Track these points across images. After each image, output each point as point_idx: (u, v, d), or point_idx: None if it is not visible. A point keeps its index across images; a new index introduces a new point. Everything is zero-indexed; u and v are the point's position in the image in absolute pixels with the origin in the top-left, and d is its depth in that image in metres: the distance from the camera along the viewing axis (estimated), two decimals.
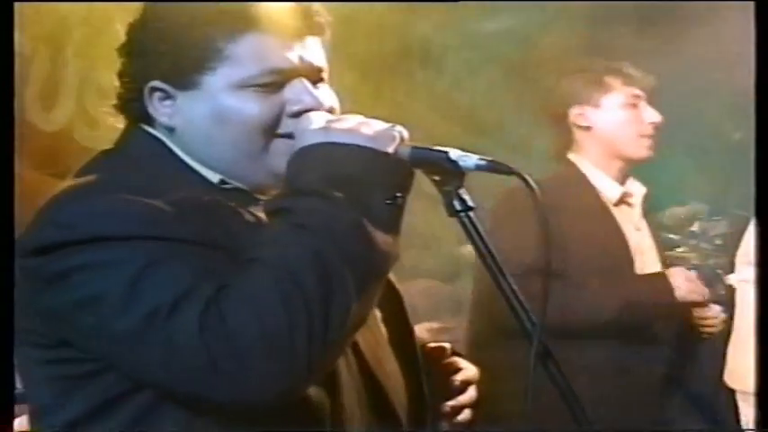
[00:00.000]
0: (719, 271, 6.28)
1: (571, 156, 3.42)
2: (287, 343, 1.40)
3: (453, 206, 1.59)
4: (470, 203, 1.60)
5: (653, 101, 3.34)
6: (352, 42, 4.22)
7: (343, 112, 1.69)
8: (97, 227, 1.48)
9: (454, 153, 1.59)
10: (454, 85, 7.16)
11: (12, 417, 1.85)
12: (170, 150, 1.68)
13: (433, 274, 5.17)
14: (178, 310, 1.41)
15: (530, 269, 3.04)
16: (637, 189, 3.42)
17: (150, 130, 1.69)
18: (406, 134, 1.58)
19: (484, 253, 1.61)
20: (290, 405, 1.49)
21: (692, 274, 3.26)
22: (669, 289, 3.19)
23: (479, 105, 7.12)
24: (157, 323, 1.41)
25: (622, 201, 3.38)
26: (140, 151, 1.68)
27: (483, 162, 1.58)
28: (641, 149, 3.33)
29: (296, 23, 1.65)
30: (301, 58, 1.65)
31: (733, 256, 6.52)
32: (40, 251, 1.52)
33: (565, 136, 3.41)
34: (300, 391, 1.49)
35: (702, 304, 3.27)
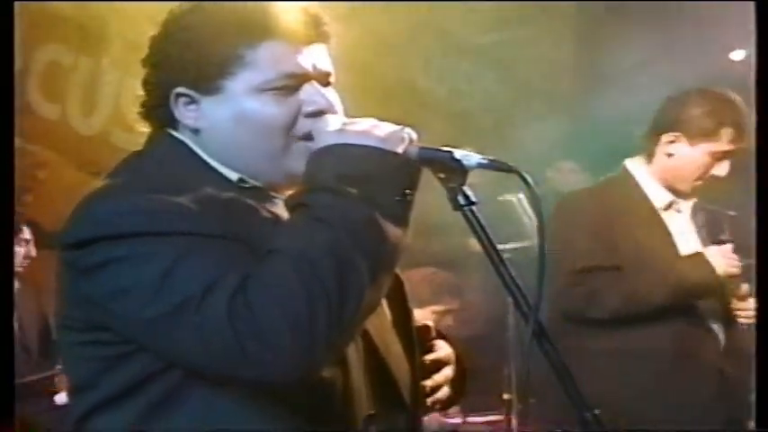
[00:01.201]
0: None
1: (627, 162, 3.36)
2: (307, 326, 1.38)
3: (457, 201, 1.58)
4: (473, 198, 1.58)
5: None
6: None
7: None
8: (130, 223, 1.47)
9: (458, 153, 1.58)
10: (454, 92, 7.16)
11: (13, 418, 1.83)
12: (192, 151, 1.66)
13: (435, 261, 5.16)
14: (208, 298, 1.39)
15: (585, 268, 3.14)
16: (686, 199, 3.34)
17: (174, 133, 1.67)
18: (414, 135, 1.57)
19: (485, 244, 1.59)
20: (304, 383, 1.48)
21: (727, 248, 3.20)
22: (710, 267, 3.15)
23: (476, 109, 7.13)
24: (189, 310, 1.40)
25: (670, 207, 3.30)
26: (166, 153, 1.66)
27: (485, 161, 1.58)
28: (686, 187, 3.26)
29: (306, 32, 1.63)
30: (312, 64, 1.64)
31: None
32: (78, 245, 1.51)
33: (651, 143, 3.30)
34: (319, 370, 1.48)
35: (739, 277, 3.20)
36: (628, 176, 3.33)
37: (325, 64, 1.67)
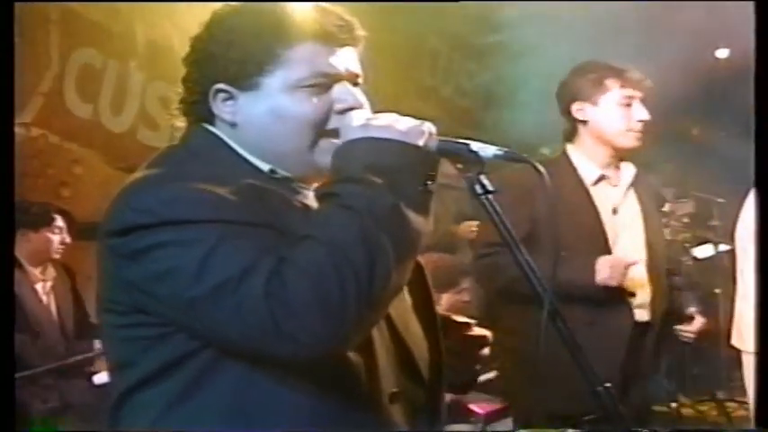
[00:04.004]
0: (687, 244, 6.28)
1: (567, 144, 3.42)
2: (338, 306, 1.39)
3: (475, 190, 1.58)
4: (489, 187, 1.58)
5: (647, 100, 3.33)
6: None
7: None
8: (171, 212, 1.47)
9: (475, 145, 1.58)
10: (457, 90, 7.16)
11: (14, 420, 1.84)
12: (226, 143, 1.65)
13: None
14: (245, 280, 1.39)
15: (492, 242, 3.06)
16: (625, 171, 3.40)
17: (209, 127, 1.67)
18: (433, 129, 1.57)
19: (502, 230, 1.59)
20: (333, 363, 1.49)
21: (619, 261, 3.17)
22: (592, 272, 3.13)
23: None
24: (228, 291, 1.40)
25: (601, 181, 3.35)
26: (202, 146, 1.65)
27: (500, 152, 1.58)
28: (628, 140, 3.31)
29: (340, 35, 1.63)
30: (344, 65, 1.64)
31: (697, 231, 6.46)
32: (120, 233, 1.50)
33: (569, 125, 3.41)
34: (348, 347, 1.49)
35: (618, 289, 3.17)
36: (563, 156, 3.39)
37: (356, 66, 1.67)
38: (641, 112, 3.28)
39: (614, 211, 3.34)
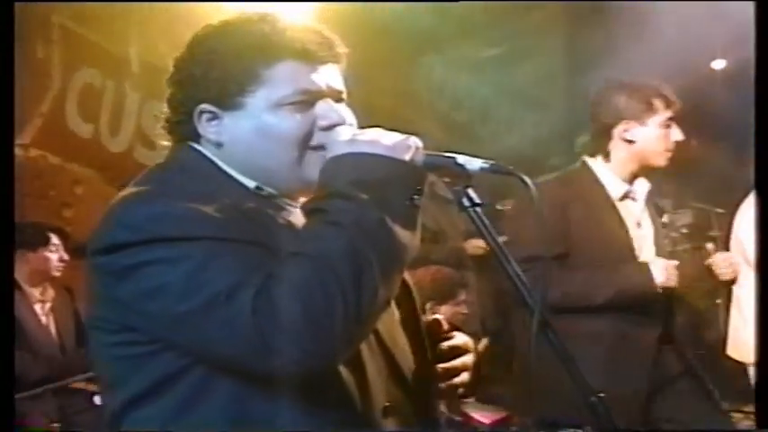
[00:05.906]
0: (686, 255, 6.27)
1: (586, 157, 3.38)
2: (326, 322, 1.39)
3: (462, 203, 1.59)
4: (477, 200, 1.59)
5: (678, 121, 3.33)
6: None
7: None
8: (158, 229, 1.47)
9: (461, 158, 1.58)
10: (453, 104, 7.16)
11: (13, 421, 1.81)
12: (212, 162, 1.65)
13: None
14: (233, 297, 1.40)
15: (531, 257, 3.08)
16: (641, 186, 3.37)
17: (195, 146, 1.67)
18: (420, 143, 1.57)
19: (491, 243, 1.59)
20: (323, 377, 1.49)
21: (671, 263, 3.23)
22: (651, 278, 3.18)
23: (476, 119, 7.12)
24: (216, 309, 1.40)
25: (626, 196, 3.33)
26: (188, 163, 1.66)
27: (486, 165, 1.58)
28: (662, 160, 3.30)
29: (321, 52, 1.63)
30: (326, 82, 1.64)
31: (698, 241, 6.47)
32: (108, 250, 1.51)
33: (603, 142, 3.33)
34: (337, 362, 1.49)
35: (674, 289, 3.25)
36: (586, 169, 3.35)
37: (338, 83, 1.67)
38: (678, 134, 3.27)
39: (638, 225, 3.33)
